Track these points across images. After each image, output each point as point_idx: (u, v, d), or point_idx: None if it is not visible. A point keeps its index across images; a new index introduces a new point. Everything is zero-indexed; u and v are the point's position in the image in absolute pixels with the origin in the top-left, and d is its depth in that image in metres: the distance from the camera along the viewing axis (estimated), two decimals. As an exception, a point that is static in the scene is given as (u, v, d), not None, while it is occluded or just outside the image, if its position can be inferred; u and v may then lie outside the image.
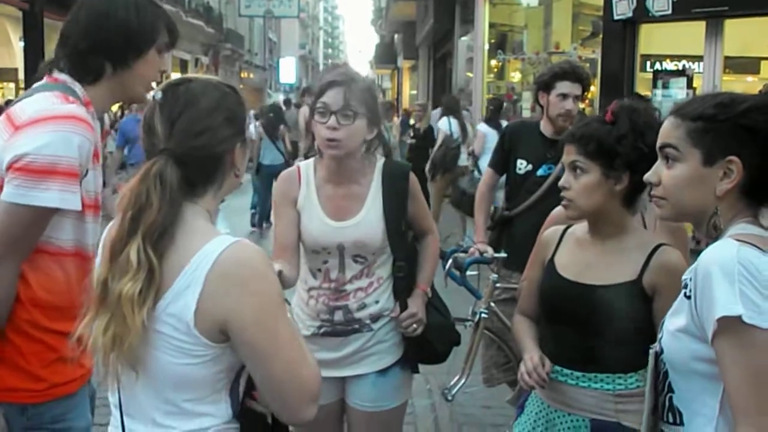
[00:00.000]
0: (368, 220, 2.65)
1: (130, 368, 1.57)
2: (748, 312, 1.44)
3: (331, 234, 2.64)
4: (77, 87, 2.15)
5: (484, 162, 9.55)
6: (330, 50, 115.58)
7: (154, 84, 2.27)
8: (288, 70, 54.20)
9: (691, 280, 1.57)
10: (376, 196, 2.68)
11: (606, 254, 2.24)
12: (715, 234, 1.62)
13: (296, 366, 1.58)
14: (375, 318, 2.68)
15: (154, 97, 1.66)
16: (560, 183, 2.26)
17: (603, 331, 2.17)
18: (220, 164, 1.64)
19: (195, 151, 1.59)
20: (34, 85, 2.21)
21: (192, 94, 1.63)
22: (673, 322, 1.64)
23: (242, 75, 42.59)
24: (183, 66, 29.35)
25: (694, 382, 1.61)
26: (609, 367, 2.17)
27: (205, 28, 29.33)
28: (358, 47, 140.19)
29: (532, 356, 2.25)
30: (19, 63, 14.19)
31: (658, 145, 1.70)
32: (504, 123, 9.69)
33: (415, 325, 2.69)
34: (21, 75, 13.96)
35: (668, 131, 1.67)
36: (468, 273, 4.27)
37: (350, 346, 2.68)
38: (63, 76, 2.16)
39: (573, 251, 2.32)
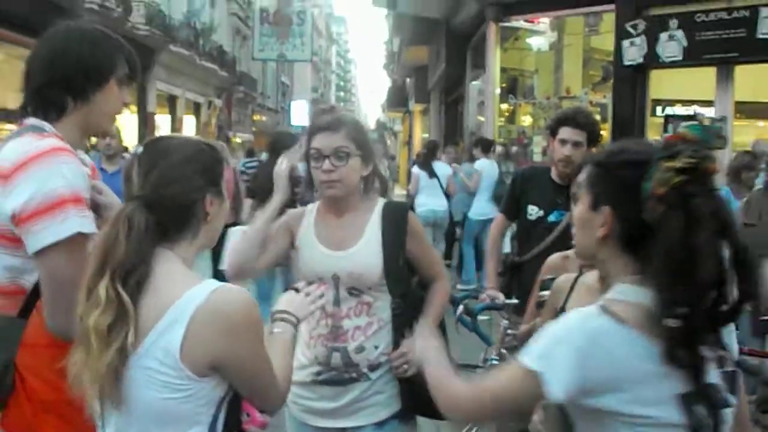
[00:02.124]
0: (365, 252, 2.65)
1: (110, 403, 1.69)
2: (540, 367, 1.53)
3: (325, 262, 2.65)
4: (46, 126, 2.17)
5: (421, 200, 10.16)
6: (342, 93, 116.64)
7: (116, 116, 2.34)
8: (300, 113, 54.56)
9: None
10: (375, 230, 2.69)
11: None
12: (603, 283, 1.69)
13: (273, 375, 1.82)
14: (373, 367, 2.65)
15: (135, 151, 1.82)
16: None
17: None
18: (192, 212, 1.78)
19: (165, 199, 1.73)
20: (7, 136, 2.23)
21: (167, 149, 1.80)
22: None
23: (255, 117, 42.98)
24: (196, 108, 29.66)
25: (584, 422, 1.63)
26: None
27: (218, 72, 29.67)
28: (371, 90, 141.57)
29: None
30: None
31: None
32: (440, 165, 10.55)
33: (405, 366, 2.62)
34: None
35: (583, 172, 1.73)
36: (479, 319, 4.24)
37: (348, 396, 2.65)
38: (30, 120, 2.19)
39: (584, 299, 2.29)
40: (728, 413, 1.58)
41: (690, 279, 1.48)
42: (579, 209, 1.70)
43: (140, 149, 1.82)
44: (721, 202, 1.54)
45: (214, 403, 1.72)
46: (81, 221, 2.02)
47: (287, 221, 2.77)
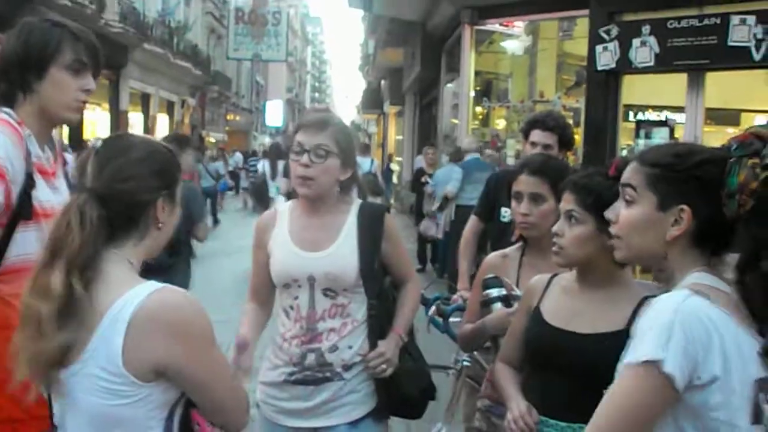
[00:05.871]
0: (341, 253, 2.65)
1: (57, 397, 1.67)
2: (666, 357, 1.51)
3: (300, 264, 2.65)
4: (6, 110, 2.27)
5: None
6: (317, 94, 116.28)
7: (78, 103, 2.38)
8: (274, 113, 54.44)
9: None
10: (351, 231, 2.68)
11: (594, 303, 2.24)
12: (664, 278, 1.70)
13: (233, 387, 1.77)
14: (347, 366, 2.65)
15: (93, 144, 1.78)
16: (554, 229, 2.28)
17: (590, 379, 2.14)
18: (142, 213, 1.72)
19: (118, 195, 1.68)
20: None
21: (126, 146, 1.76)
22: (621, 363, 1.70)
23: (228, 117, 42.77)
24: (170, 107, 29.44)
25: None
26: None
27: (192, 70, 29.46)
28: (346, 92, 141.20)
29: (518, 404, 2.23)
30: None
31: (620, 184, 1.77)
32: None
33: (384, 366, 2.64)
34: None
35: (630, 174, 1.75)
36: (451, 320, 4.25)
37: (321, 395, 2.64)
38: None
39: (560, 299, 2.32)
40: None
41: None
42: (639, 211, 1.72)
43: (99, 143, 1.77)
44: None
45: (167, 406, 1.68)
46: None
47: (259, 235, 2.79)
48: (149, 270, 1.78)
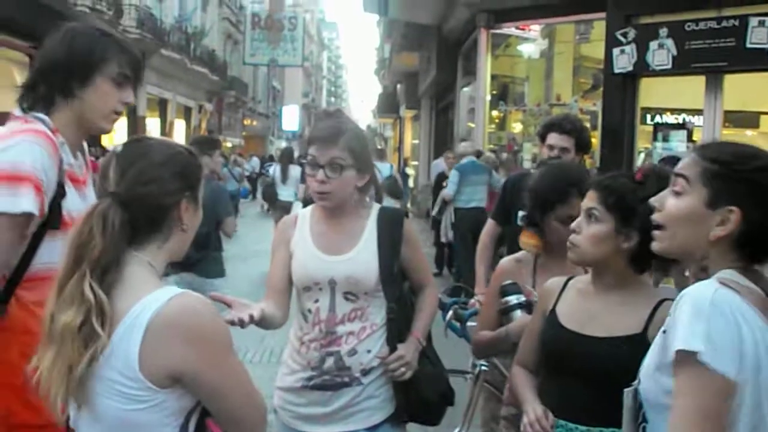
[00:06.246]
0: (362, 257, 2.65)
1: (79, 405, 1.64)
2: (707, 350, 1.48)
3: (323, 268, 2.65)
4: (47, 119, 2.28)
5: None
6: (333, 99, 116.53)
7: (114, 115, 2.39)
8: (291, 118, 54.65)
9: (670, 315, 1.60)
10: (371, 236, 2.68)
11: (610, 306, 2.22)
12: (703, 277, 1.66)
13: (250, 394, 1.73)
14: (365, 371, 2.64)
15: (114, 149, 1.78)
16: (572, 225, 2.27)
17: (606, 383, 2.12)
18: (165, 215, 1.73)
19: (140, 198, 1.68)
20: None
21: (146, 148, 1.76)
22: (651, 356, 1.68)
23: (245, 122, 42.93)
24: (187, 112, 29.60)
25: (665, 414, 1.60)
26: (612, 421, 2.12)
27: (209, 76, 29.62)
28: (361, 96, 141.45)
29: (534, 408, 2.22)
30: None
31: (674, 173, 1.73)
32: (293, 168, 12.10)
33: (403, 369, 2.63)
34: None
35: (686, 165, 1.71)
36: (468, 324, 4.24)
37: (340, 401, 2.64)
38: (18, 112, 2.30)
39: (576, 302, 2.31)
40: None
41: None
42: (687, 203, 1.68)
43: (119, 148, 1.78)
44: None
45: (182, 413, 1.67)
46: (32, 203, 2.12)
47: (280, 235, 2.78)
48: (179, 264, 1.79)
